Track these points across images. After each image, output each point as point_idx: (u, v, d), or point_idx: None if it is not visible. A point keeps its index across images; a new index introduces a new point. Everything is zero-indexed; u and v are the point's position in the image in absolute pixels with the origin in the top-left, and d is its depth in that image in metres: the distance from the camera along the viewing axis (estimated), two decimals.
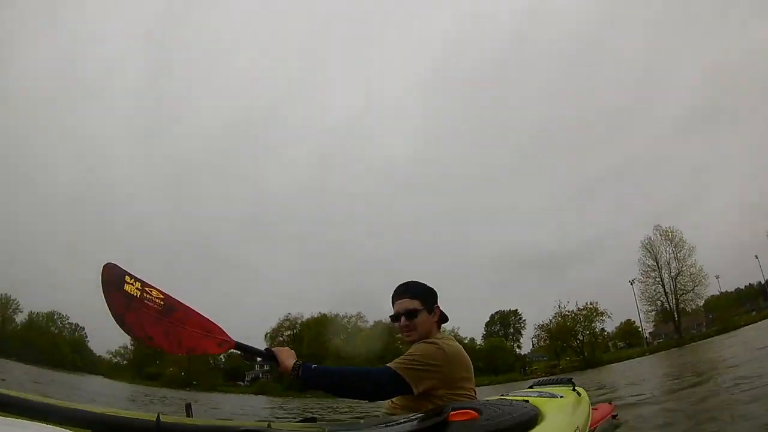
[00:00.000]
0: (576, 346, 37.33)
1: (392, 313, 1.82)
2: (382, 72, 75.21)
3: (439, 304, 1.83)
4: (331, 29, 73.57)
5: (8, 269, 40.04)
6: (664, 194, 52.02)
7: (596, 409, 3.71)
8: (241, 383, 42.20)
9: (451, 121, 68.36)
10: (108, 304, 1.37)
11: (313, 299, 50.31)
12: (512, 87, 66.74)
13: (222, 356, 43.25)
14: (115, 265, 1.43)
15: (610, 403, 4.63)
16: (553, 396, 2.32)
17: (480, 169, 66.39)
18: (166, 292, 1.49)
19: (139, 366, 40.13)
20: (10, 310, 39.07)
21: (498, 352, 37.63)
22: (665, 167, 52.39)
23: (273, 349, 1.59)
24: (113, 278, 1.40)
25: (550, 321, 38.61)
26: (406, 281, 1.86)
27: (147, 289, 1.44)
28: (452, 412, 1.27)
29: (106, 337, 41.18)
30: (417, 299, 1.78)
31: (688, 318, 37.81)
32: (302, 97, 74.32)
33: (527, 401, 1.88)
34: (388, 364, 1.59)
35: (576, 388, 2.74)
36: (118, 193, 55.93)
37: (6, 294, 38.41)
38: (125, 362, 42.05)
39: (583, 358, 35.72)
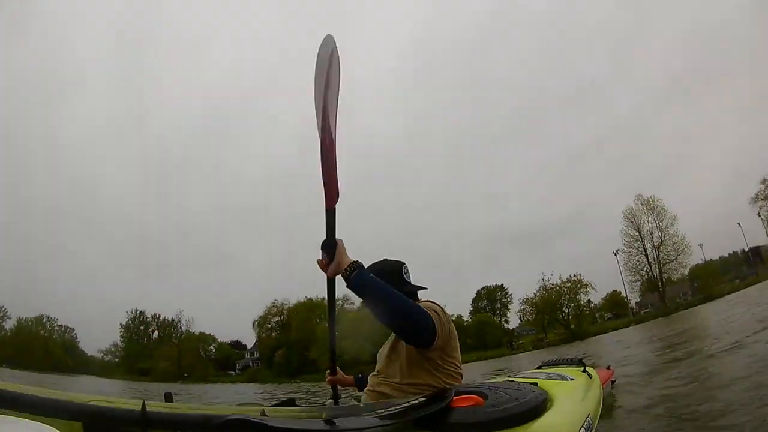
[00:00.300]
0: (562, 319, 37.63)
1: None
2: (362, 52, 74.43)
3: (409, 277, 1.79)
4: (306, 11, 72.29)
5: None
6: (646, 164, 52.01)
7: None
8: (233, 372, 42.44)
9: (433, 99, 68.22)
10: None
11: (299, 285, 49.64)
12: (492, 62, 65.82)
13: (212, 347, 44.91)
14: None
15: (609, 368, 4.35)
16: (563, 378, 2.23)
17: (463, 146, 66.91)
18: None
19: (131, 362, 40.23)
20: None
21: (486, 327, 37.89)
22: (647, 137, 52.45)
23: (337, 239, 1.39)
24: None
25: (535, 295, 38.97)
26: (375, 261, 1.80)
27: None
28: (456, 397, 1.22)
29: (97, 336, 42.46)
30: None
31: (674, 287, 38.19)
32: (278, 83, 73.09)
33: (535, 384, 1.79)
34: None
35: (587, 368, 2.63)
36: (100, 191, 55.48)
37: None
38: (117, 360, 42.07)
39: (569, 330, 35.98)
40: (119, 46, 64.72)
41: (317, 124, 1.35)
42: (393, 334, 1.66)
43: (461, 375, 1.64)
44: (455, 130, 64.74)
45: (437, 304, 1.60)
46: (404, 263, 1.81)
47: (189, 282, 51.54)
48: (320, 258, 1.38)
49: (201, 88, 70.24)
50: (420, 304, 1.53)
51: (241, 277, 52.47)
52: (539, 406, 1.40)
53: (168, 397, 1.31)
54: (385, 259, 1.82)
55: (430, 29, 69.86)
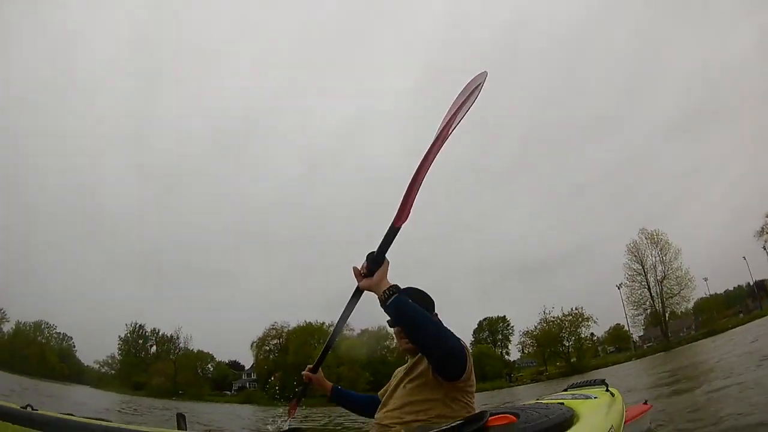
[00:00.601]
0: (562, 352, 37.27)
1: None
2: (373, 79, 75.42)
3: (437, 312, 1.76)
4: (322, 37, 73.70)
5: None
6: (652, 198, 52.03)
7: (629, 409, 3.59)
8: (228, 393, 42.08)
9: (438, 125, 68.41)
10: None
11: (299, 308, 50.42)
12: (502, 92, 66.66)
13: (210, 366, 44.65)
14: None
15: (646, 403, 4.21)
16: (587, 397, 2.37)
17: (469, 175, 67.06)
18: None
19: (127, 375, 39.98)
20: None
21: (486, 358, 37.26)
22: (653, 171, 52.64)
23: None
24: None
25: (536, 327, 38.83)
26: (405, 287, 1.75)
27: None
28: (491, 417, 1.30)
29: (94, 346, 42.35)
30: None
31: (678, 321, 37.76)
32: (292, 104, 74.34)
33: (562, 403, 1.99)
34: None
35: (609, 388, 2.75)
36: (107, 200, 55.79)
37: None
38: (113, 372, 41.86)
39: (569, 363, 35.63)
40: (138, 48, 65.74)
41: (434, 139, 1.39)
42: (404, 370, 1.67)
43: (474, 408, 1.59)
44: (460, 158, 65.15)
45: (460, 339, 1.57)
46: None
47: (191, 299, 51.24)
48: (360, 266, 1.40)
49: (213, 104, 71.51)
50: None
51: (243, 298, 52.48)
52: (567, 420, 1.55)
53: (180, 420, 1.34)
54: (417, 288, 1.79)
55: (442, 56, 70.73)
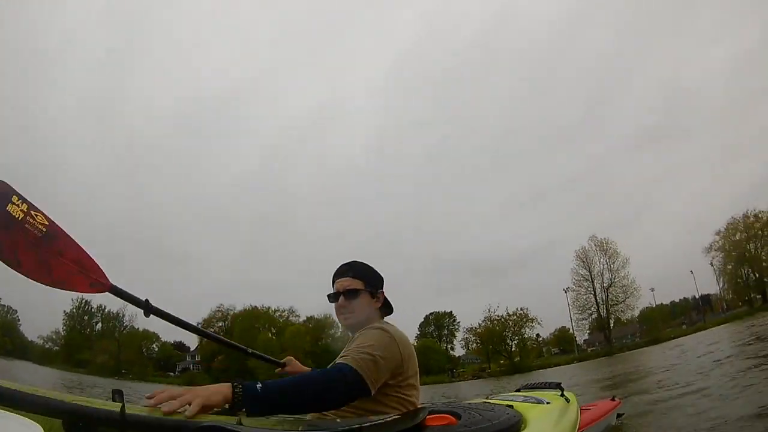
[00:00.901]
0: (505, 350, 37.91)
1: (331, 292, 1.66)
2: (343, 71, 74.87)
3: (384, 291, 1.68)
4: (296, 25, 72.67)
5: None
6: (610, 207, 53.76)
7: (596, 405, 3.49)
8: (172, 374, 41.53)
9: (410, 123, 68.74)
10: None
11: (247, 291, 50.63)
12: (471, 95, 67.18)
13: (155, 346, 43.76)
14: (7, 184, 1.36)
15: (614, 399, 3.90)
16: (540, 402, 2.24)
17: (434, 173, 67.29)
18: (53, 221, 1.42)
19: (70, 352, 38.99)
20: None
21: (430, 353, 37.63)
22: (612, 181, 54.26)
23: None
24: None
25: (479, 325, 39.33)
26: (350, 260, 1.70)
27: (33, 213, 1.37)
28: (429, 416, 1.23)
29: (39, 321, 40.66)
30: (360, 279, 1.62)
31: (622, 327, 38.94)
32: (261, 89, 72.66)
33: (511, 406, 1.84)
34: (342, 360, 1.32)
35: (564, 393, 2.59)
36: (69, 173, 54.06)
37: None
38: (56, 348, 40.75)
39: (511, 362, 36.25)
40: (108, 22, 63.44)
41: None
42: (342, 351, 1.48)
43: (414, 405, 1.47)
44: (425, 156, 65.57)
45: (386, 332, 1.46)
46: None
47: (142, 277, 50.06)
48: None
49: (184, 85, 69.81)
50: (368, 333, 1.45)
51: (193, 278, 51.45)
52: (512, 427, 1.43)
53: (117, 395, 1.17)
54: (364, 263, 1.71)
55: (417, 53, 70.25)
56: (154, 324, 42.60)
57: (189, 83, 68.59)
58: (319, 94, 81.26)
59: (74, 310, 42.51)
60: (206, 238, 55.69)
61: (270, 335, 40.58)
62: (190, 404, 0.96)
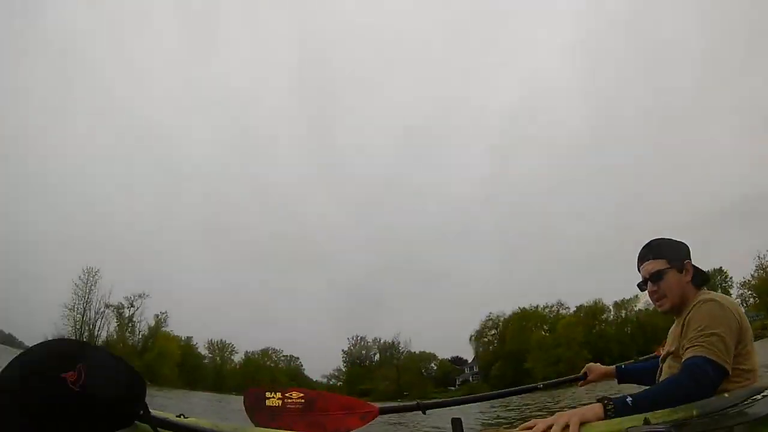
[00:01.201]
0: None
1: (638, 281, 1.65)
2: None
3: (691, 259, 1.57)
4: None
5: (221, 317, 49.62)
6: None
7: None
8: (452, 387, 43.05)
9: None
10: (254, 422, 1.81)
11: (512, 295, 51.01)
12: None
13: (433, 365, 47.27)
14: (253, 390, 1.90)
15: None
16: None
17: None
18: (305, 390, 1.84)
19: (353, 384, 42.87)
20: (227, 353, 46.32)
21: None
22: None
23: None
24: (254, 402, 1.85)
25: (752, 276, 35.36)
26: (655, 238, 1.64)
27: (287, 394, 1.81)
28: None
29: (319, 363, 49.70)
30: (661, 258, 1.56)
31: None
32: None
33: None
34: (692, 352, 1.31)
35: None
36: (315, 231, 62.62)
37: (222, 339, 45.81)
38: (340, 383, 45.35)
39: None
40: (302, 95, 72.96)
41: None
42: (672, 335, 1.55)
43: (755, 371, 1.39)
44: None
45: (717, 302, 1.40)
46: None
47: (409, 302, 55.12)
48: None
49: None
50: (699, 311, 1.40)
51: (457, 294, 55.37)
52: None
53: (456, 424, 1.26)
54: (666, 239, 1.62)
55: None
56: (429, 344, 47.52)
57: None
58: None
59: (351, 348, 47.52)
60: (458, 255, 60.31)
61: (543, 332, 40.75)
62: (568, 425, 1.06)
